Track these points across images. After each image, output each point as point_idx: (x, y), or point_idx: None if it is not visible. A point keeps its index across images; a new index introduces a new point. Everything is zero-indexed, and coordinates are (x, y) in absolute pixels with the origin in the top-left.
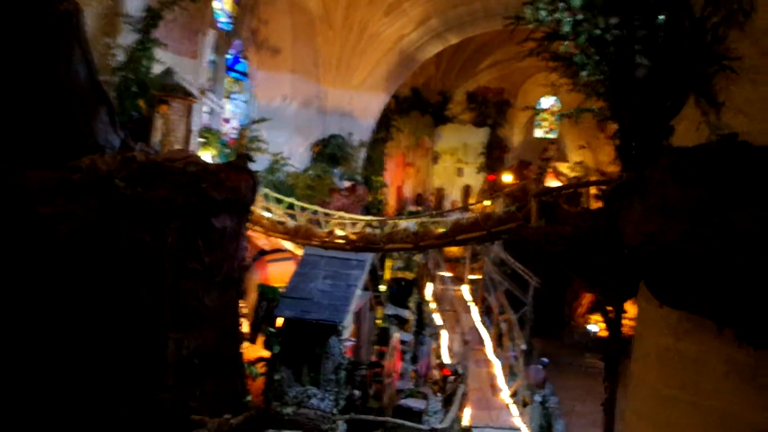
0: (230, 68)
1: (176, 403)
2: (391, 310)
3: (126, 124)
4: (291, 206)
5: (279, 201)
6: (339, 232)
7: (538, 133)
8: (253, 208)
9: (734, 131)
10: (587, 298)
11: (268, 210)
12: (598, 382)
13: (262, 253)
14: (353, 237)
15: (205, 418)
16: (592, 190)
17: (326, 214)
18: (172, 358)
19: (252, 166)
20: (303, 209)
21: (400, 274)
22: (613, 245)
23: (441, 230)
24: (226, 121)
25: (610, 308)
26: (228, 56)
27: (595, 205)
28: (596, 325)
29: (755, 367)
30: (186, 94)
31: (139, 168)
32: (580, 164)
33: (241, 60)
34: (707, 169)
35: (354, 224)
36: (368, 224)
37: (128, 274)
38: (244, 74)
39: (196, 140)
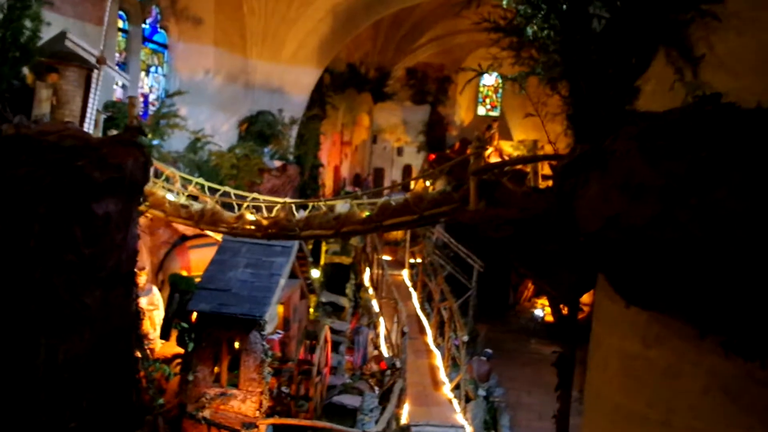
0: (147, 39)
1: (51, 423)
2: (326, 297)
3: (4, 93)
4: (202, 187)
5: (188, 182)
6: (250, 217)
7: (481, 110)
8: (153, 189)
9: (716, 91)
10: (532, 282)
11: (172, 191)
12: (545, 370)
13: (184, 238)
14: (265, 222)
15: None
16: (543, 169)
17: (239, 196)
18: (44, 368)
19: (169, 144)
20: (213, 191)
21: (336, 259)
22: (567, 231)
23: (366, 214)
24: (144, 96)
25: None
26: (144, 26)
27: (545, 184)
28: (542, 310)
29: (743, 383)
30: (83, 63)
31: (2, 142)
32: (522, 143)
33: (159, 30)
34: (683, 137)
35: (271, 208)
36: (287, 207)
37: None
38: (164, 46)
39: (92, 115)
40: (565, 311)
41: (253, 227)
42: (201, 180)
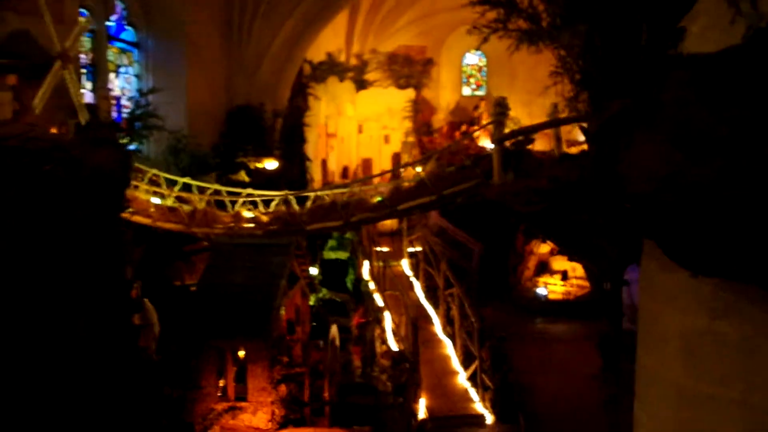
0: (114, 37)
1: None
2: (326, 294)
3: None
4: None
5: (173, 183)
6: (247, 214)
7: (466, 91)
8: (135, 194)
9: None
10: (533, 260)
11: (159, 195)
12: (555, 349)
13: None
14: (265, 219)
15: None
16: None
17: (231, 193)
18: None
19: (149, 149)
20: (202, 190)
21: (333, 255)
22: (607, 199)
23: (377, 200)
24: (116, 98)
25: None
26: (110, 23)
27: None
28: (545, 288)
29: None
30: (44, 62)
31: None
32: (512, 120)
33: (126, 27)
34: (747, 78)
35: (268, 202)
36: (285, 200)
37: None
38: (133, 44)
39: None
40: (607, 287)
41: (252, 225)
42: (188, 179)
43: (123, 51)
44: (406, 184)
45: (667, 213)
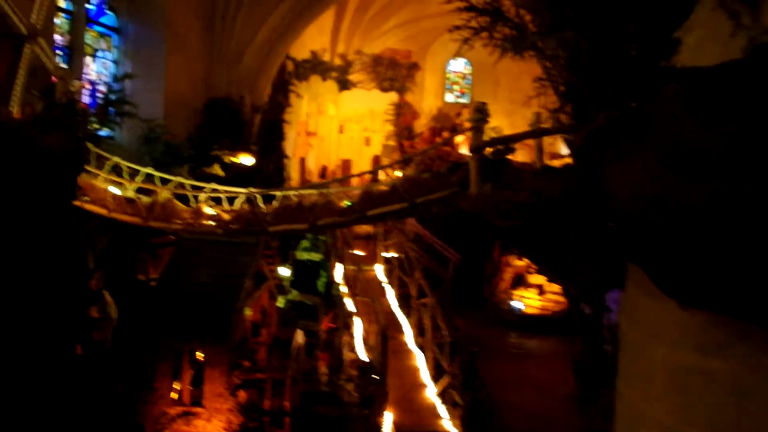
0: (93, 21)
1: None
2: (296, 297)
3: None
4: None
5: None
6: (208, 211)
7: (449, 97)
8: (94, 182)
9: None
10: (509, 272)
11: (118, 184)
12: (529, 365)
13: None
14: (226, 217)
15: None
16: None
17: (196, 188)
18: None
19: (123, 136)
20: (166, 182)
21: (306, 255)
22: (591, 216)
23: (346, 204)
24: (91, 83)
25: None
26: (90, 6)
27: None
28: (521, 302)
29: None
30: (8, 34)
31: None
32: (494, 129)
33: (107, 12)
34: (746, 94)
35: (234, 199)
36: (250, 198)
37: None
38: (113, 29)
39: (19, 95)
40: (587, 311)
41: (212, 223)
42: (150, 169)
43: (102, 35)
44: (376, 188)
45: (654, 236)
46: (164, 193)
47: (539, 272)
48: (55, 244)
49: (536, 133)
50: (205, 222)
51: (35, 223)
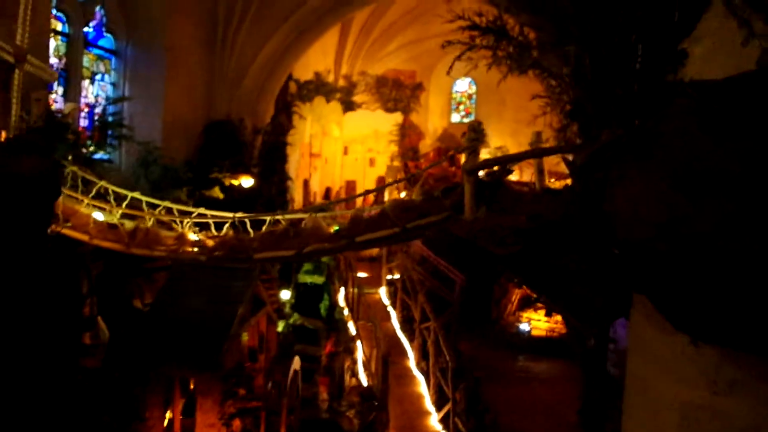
0: (92, 44)
1: None
2: (297, 320)
3: None
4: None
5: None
6: (192, 237)
7: (455, 117)
8: (76, 207)
9: None
10: (517, 294)
11: (103, 209)
12: (537, 389)
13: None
14: (210, 243)
15: None
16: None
17: (183, 212)
18: None
19: (120, 159)
20: (152, 206)
21: (308, 279)
22: (593, 242)
23: (334, 229)
24: (89, 106)
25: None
26: (88, 29)
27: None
28: (528, 324)
29: None
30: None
31: None
32: (500, 149)
33: (105, 35)
34: (762, 106)
35: (221, 225)
36: (237, 224)
37: None
38: (111, 51)
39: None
40: (589, 342)
41: (195, 249)
42: (137, 194)
43: (100, 58)
44: (365, 213)
45: (662, 265)
46: (151, 219)
47: (539, 301)
48: (31, 271)
49: (535, 153)
50: (188, 249)
51: (6, 250)
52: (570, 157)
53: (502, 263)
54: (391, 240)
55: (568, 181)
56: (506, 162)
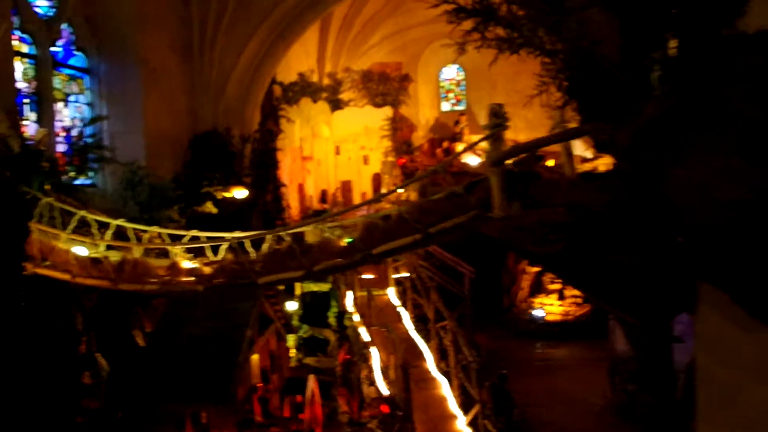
0: (61, 63)
1: None
2: (306, 332)
3: None
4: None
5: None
6: (186, 265)
7: (445, 106)
8: (54, 243)
9: None
10: (526, 280)
11: (84, 243)
12: (558, 377)
13: None
14: (207, 270)
15: None
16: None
17: (173, 237)
18: None
19: (105, 183)
20: (139, 233)
21: (313, 287)
22: (649, 231)
23: (347, 241)
24: (66, 129)
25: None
26: (56, 49)
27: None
28: (542, 309)
29: None
30: None
31: None
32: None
33: (75, 53)
34: None
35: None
36: (235, 245)
37: None
38: (84, 70)
39: None
40: (650, 345)
41: (192, 278)
42: (122, 221)
43: (72, 78)
44: (380, 223)
45: (740, 250)
46: (135, 250)
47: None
48: (9, 317)
49: (567, 134)
50: (183, 279)
51: None
52: (603, 136)
53: (541, 262)
54: (413, 246)
55: (597, 164)
56: (535, 147)
